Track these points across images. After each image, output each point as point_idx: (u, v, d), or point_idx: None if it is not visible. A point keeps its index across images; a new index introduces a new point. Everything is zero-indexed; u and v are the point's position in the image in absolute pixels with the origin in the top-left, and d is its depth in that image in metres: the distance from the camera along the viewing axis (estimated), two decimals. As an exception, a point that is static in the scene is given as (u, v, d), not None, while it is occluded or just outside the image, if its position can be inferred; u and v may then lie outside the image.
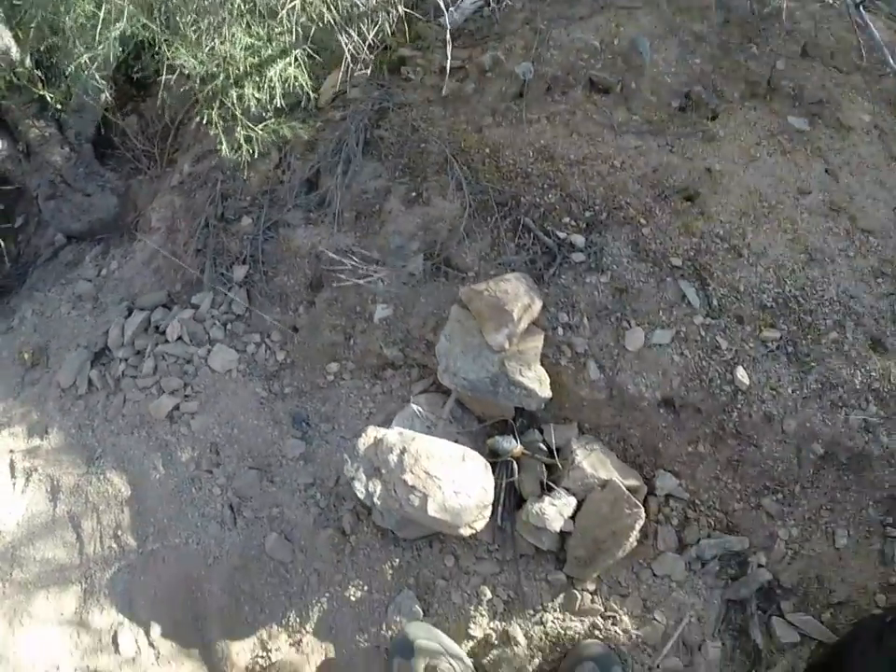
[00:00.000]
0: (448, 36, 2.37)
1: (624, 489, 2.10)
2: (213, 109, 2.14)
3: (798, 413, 2.17)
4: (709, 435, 2.22)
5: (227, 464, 2.35)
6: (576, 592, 2.14)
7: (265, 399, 2.46)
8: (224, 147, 2.25)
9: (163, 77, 2.02)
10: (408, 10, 2.31)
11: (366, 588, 2.17)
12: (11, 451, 2.40)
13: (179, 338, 2.48)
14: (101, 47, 1.95)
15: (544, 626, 2.11)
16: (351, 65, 2.30)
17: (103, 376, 2.48)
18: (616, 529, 2.09)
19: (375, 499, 2.05)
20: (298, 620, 2.16)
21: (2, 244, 2.52)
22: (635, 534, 2.10)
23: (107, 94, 2.54)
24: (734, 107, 2.59)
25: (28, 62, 2.50)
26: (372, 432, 2.14)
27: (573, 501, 2.16)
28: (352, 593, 2.17)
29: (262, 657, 2.13)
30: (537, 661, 2.09)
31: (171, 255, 2.53)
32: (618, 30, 2.64)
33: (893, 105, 2.64)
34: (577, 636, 2.10)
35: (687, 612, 2.12)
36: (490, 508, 2.15)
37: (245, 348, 2.52)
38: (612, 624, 2.11)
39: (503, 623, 2.12)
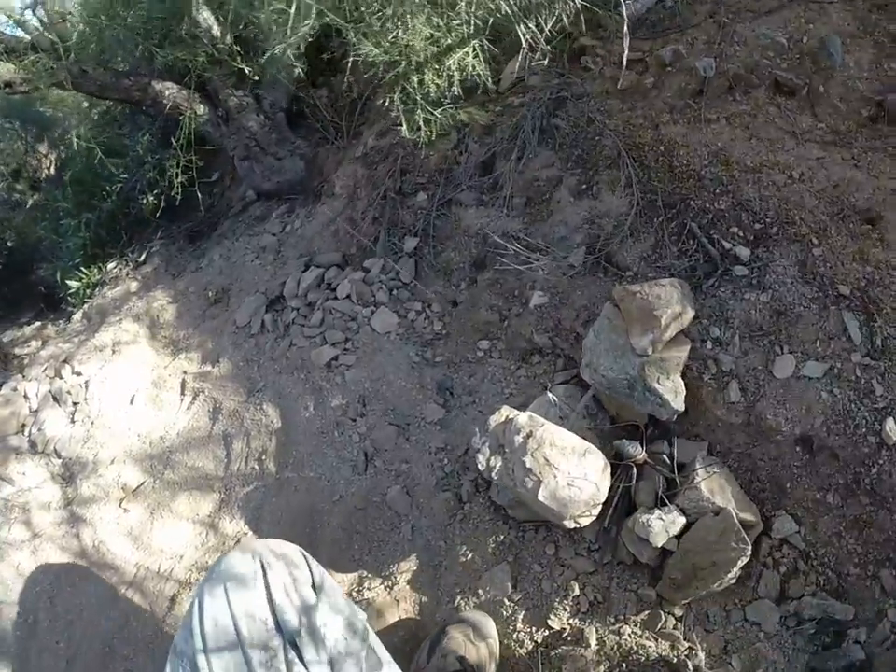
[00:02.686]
0: (626, 28, 2.11)
1: (737, 521, 1.83)
2: (395, 93, 2.09)
3: None
4: (842, 486, 1.86)
5: (370, 416, 2.35)
6: (661, 613, 1.92)
7: (416, 364, 2.42)
8: (405, 128, 2.20)
9: (350, 60, 1.99)
10: (587, 1, 2.09)
11: (468, 555, 2.10)
12: (185, 372, 2.55)
13: (348, 296, 2.50)
14: (292, 39, 1.97)
15: (619, 637, 1.91)
16: (529, 54, 2.15)
17: (275, 321, 2.56)
18: (718, 560, 1.82)
19: (493, 474, 1.96)
20: (397, 567, 2.13)
21: (198, 193, 2.68)
22: (735, 570, 1.82)
23: (300, 71, 2.57)
24: None
25: (228, 38, 2.57)
26: (505, 411, 2.03)
27: (682, 521, 1.92)
28: (452, 556, 2.10)
29: (358, 591, 2.14)
30: (602, 668, 1.89)
31: (349, 221, 2.55)
32: (807, 27, 2.22)
33: None
34: (649, 656, 1.91)
35: (765, 667, 1.81)
36: (600, 507, 1.97)
37: (406, 314, 2.49)
38: (686, 656, 1.85)
39: (581, 623, 1.95)
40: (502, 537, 2.10)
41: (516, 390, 2.34)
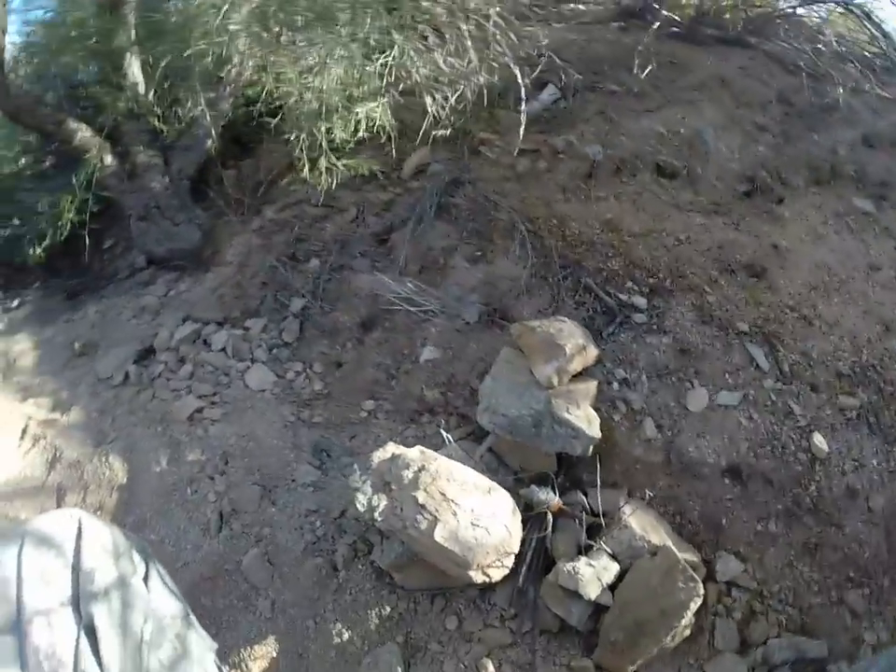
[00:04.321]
0: (522, 117, 2.18)
1: (680, 557, 1.46)
2: (302, 133, 1.97)
3: (886, 488, 1.52)
4: (782, 511, 1.55)
5: (231, 474, 1.80)
6: None
7: (291, 424, 1.95)
8: (306, 171, 2.05)
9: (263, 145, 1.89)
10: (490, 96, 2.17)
11: (344, 635, 1.52)
12: (30, 417, 1.99)
13: (223, 349, 2.08)
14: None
15: None
16: (433, 136, 2.14)
17: (140, 374, 2.08)
18: (666, 607, 1.38)
19: (376, 515, 1.45)
20: (250, 653, 1.49)
21: (86, 243, 2.33)
22: (689, 616, 1.37)
23: (214, 140, 2.45)
24: (798, 191, 2.22)
25: (151, 95, 2.47)
26: (392, 447, 1.58)
27: (615, 567, 1.48)
28: (323, 638, 1.50)
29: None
30: None
31: (236, 286, 2.24)
32: (683, 120, 2.38)
33: None
34: None
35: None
36: (512, 558, 1.49)
37: (284, 374, 2.07)
38: None
39: None
40: (388, 609, 1.54)
41: (404, 451, 1.91)
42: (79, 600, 0.91)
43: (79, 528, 0.97)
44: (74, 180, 2.34)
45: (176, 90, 2.39)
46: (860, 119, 2.42)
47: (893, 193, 2.23)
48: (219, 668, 1.11)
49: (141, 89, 2.41)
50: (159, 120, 2.42)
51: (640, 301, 1.95)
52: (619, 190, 2.24)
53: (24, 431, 1.98)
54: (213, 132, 2.47)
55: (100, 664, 0.87)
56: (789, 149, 2.33)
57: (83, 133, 2.37)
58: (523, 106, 2.22)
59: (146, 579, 1.02)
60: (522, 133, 2.24)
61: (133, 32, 2.27)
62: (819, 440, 1.58)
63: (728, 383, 1.74)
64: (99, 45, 2.33)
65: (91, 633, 0.89)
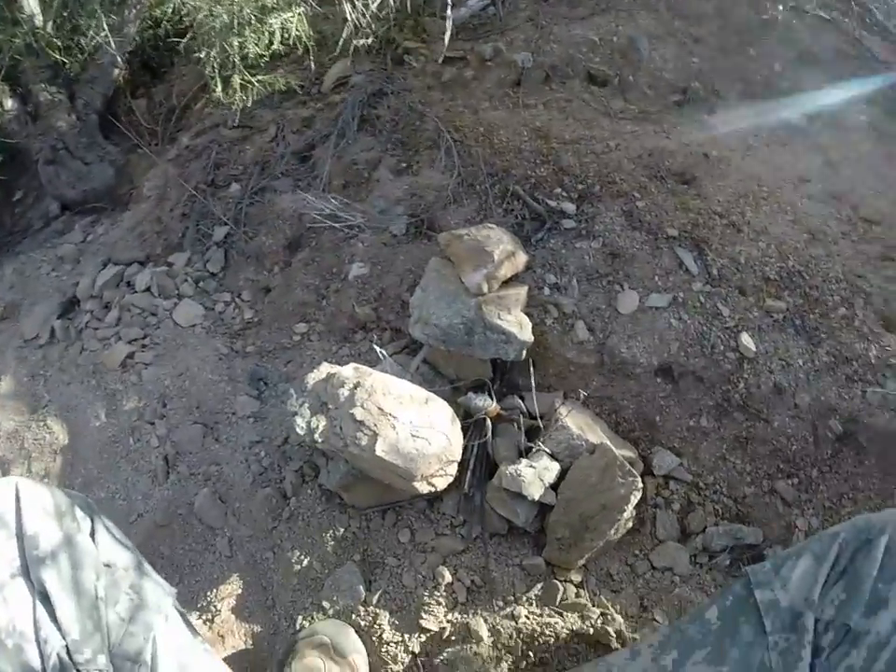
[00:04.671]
0: (448, 23, 2.07)
1: (617, 454, 1.51)
2: (212, 51, 1.81)
3: (811, 386, 1.59)
4: (713, 408, 1.62)
5: (171, 416, 1.76)
6: (557, 582, 1.48)
7: (225, 356, 1.89)
8: (219, 90, 1.91)
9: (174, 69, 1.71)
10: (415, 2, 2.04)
11: (303, 561, 1.53)
12: None
13: (148, 289, 1.98)
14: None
15: (515, 621, 1.42)
16: (354, 46, 2.01)
17: (66, 328, 1.97)
18: (607, 502, 1.44)
19: (316, 436, 1.45)
20: (215, 593, 1.51)
21: None
22: (630, 509, 1.45)
23: (121, 69, 2.26)
24: (731, 104, 2.20)
25: (50, 27, 2.23)
26: (326, 368, 1.56)
27: (556, 467, 1.53)
28: (283, 566, 1.53)
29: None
30: (505, 665, 1.39)
31: (156, 221, 2.11)
32: (617, 29, 2.30)
33: (890, 110, 2.27)
34: (558, 634, 1.45)
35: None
36: (455, 466, 1.53)
37: (213, 306, 1.99)
38: (603, 623, 1.42)
39: (464, 616, 1.44)
40: (342, 530, 1.57)
41: (339, 370, 1.89)
42: (28, 568, 0.87)
43: (16, 494, 0.93)
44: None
45: (77, 18, 2.14)
46: (797, 38, 2.38)
47: (825, 111, 2.23)
48: (180, 612, 1.11)
49: (38, 21, 2.17)
50: (60, 53, 2.19)
51: (570, 207, 1.93)
52: (548, 98, 2.17)
53: (-47, 411, 1.87)
54: (119, 59, 2.25)
55: (59, 629, 0.85)
56: (723, 62, 2.29)
57: (-23, 78, 2.14)
58: (449, 13, 2.10)
59: (92, 534, 0.99)
60: (448, 40, 2.13)
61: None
62: (746, 340, 1.64)
63: (658, 285, 1.77)
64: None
65: (46, 599, 0.87)
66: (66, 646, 0.86)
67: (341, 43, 2.04)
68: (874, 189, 2.01)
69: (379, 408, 1.45)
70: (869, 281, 1.76)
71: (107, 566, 0.97)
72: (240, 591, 1.55)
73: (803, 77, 2.26)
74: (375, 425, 1.43)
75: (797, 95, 2.22)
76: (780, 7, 2.38)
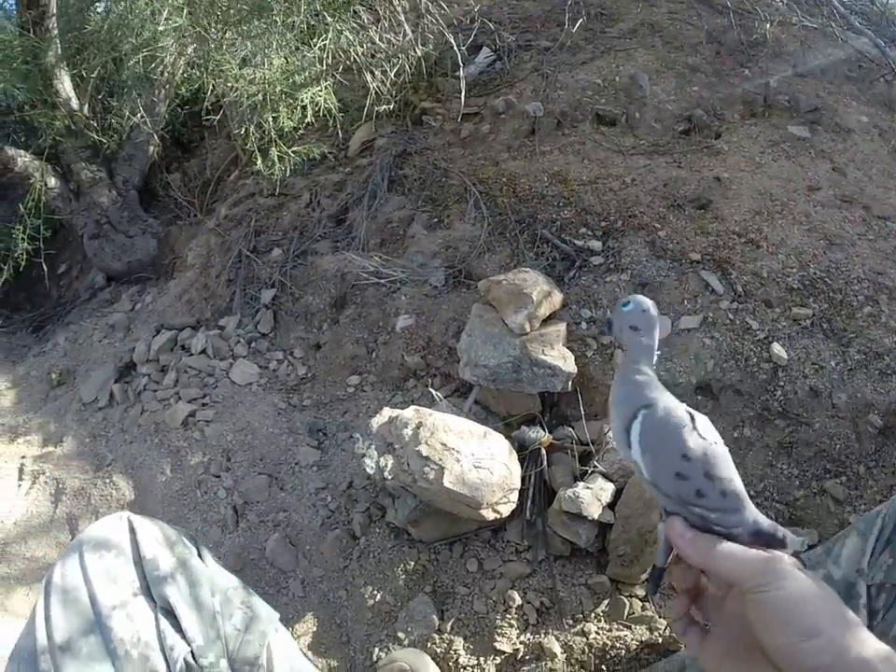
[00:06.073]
0: (462, 84, 2.23)
1: (667, 468, 1.58)
2: (250, 126, 1.97)
3: (846, 385, 1.67)
4: (754, 418, 1.69)
5: (236, 469, 1.85)
6: (622, 598, 1.52)
7: (283, 411, 2.00)
8: (259, 163, 2.05)
9: (206, 142, 1.87)
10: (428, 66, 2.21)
11: (376, 596, 1.59)
12: (23, 457, 1.97)
13: (203, 351, 2.11)
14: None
15: (587, 638, 1.46)
16: (376, 111, 2.17)
17: (124, 391, 2.08)
18: None
19: (386, 474, 1.54)
20: (290, 632, 1.55)
21: (45, 276, 2.30)
22: None
23: (156, 145, 2.42)
24: (734, 125, 2.34)
25: (86, 109, 2.42)
26: (388, 412, 1.66)
27: (611, 487, 1.60)
28: (357, 602, 1.58)
29: (252, 672, 1.52)
30: None
31: (203, 287, 2.25)
32: (618, 69, 2.47)
33: (887, 105, 2.39)
34: (628, 647, 1.48)
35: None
36: (516, 493, 1.60)
37: (267, 364, 2.11)
38: (671, 633, 1.48)
39: (536, 636, 1.49)
40: (412, 564, 1.63)
41: (395, 417, 1.97)
42: (149, 587, 0.94)
43: (130, 526, 1.01)
44: (21, 209, 2.28)
45: (109, 99, 2.33)
46: (788, 51, 2.55)
47: (826, 118, 2.35)
48: (286, 629, 1.16)
49: (75, 104, 2.36)
50: (97, 133, 2.37)
51: (596, 245, 2.05)
52: (562, 143, 2.32)
53: (21, 471, 1.97)
54: (154, 137, 2.43)
55: (184, 638, 0.92)
56: (722, 86, 2.45)
57: (22, 158, 2.31)
58: (461, 72, 2.27)
59: (201, 558, 1.06)
60: (463, 98, 2.28)
61: (59, 47, 2.20)
62: (777, 349, 1.72)
63: (687, 308, 1.86)
64: (27, 65, 2.26)
65: (169, 613, 0.93)
66: (192, 651, 0.92)
67: (365, 110, 2.19)
68: (883, 187, 2.12)
69: (442, 444, 1.53)
70: (890, 276, 1.85)
71: (219, 585, 1.04)
72: (315, 629, 1.60)
73: (799, 89, 2.39)
74: (440, 459, 1.51)
75: (796, 107, 2.35)
76: (768, 26, 2.53)
